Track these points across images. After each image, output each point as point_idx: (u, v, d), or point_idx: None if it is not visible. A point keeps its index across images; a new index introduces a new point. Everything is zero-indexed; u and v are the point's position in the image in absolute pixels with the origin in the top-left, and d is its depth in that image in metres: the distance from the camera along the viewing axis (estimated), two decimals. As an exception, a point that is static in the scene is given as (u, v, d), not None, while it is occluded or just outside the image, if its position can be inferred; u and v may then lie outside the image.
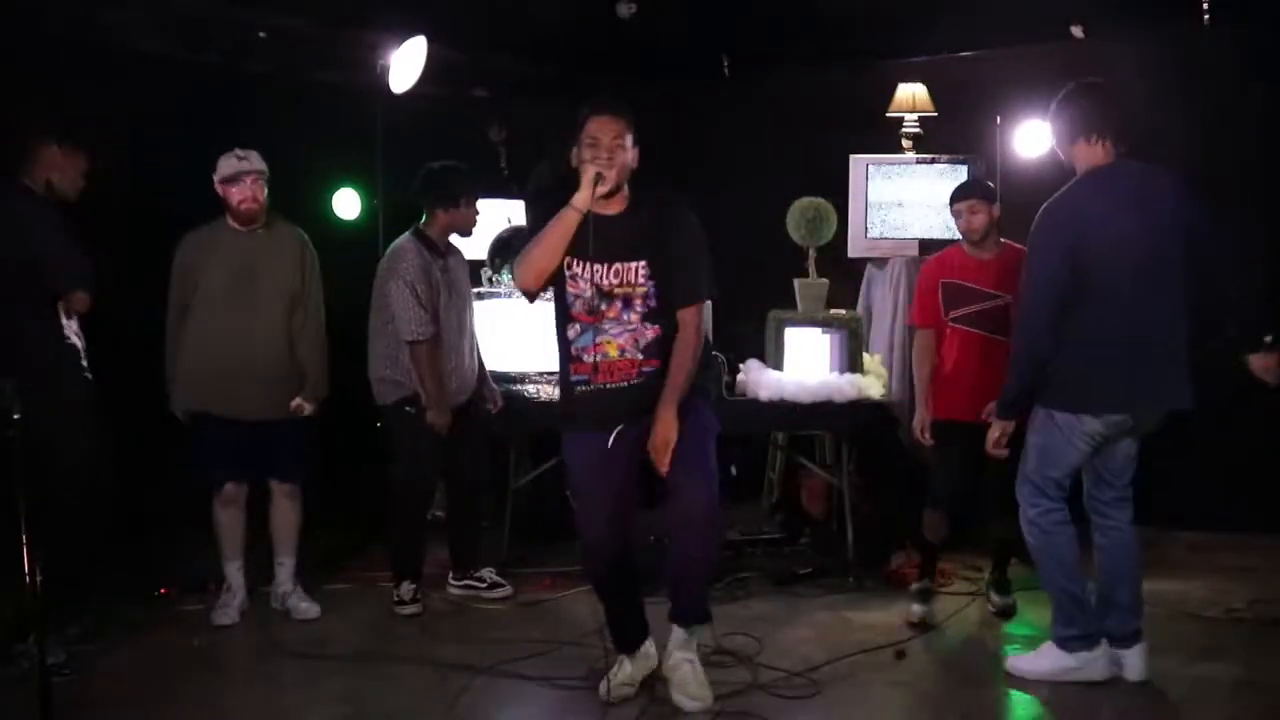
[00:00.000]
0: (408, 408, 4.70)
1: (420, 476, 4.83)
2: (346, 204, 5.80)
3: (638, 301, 3.54)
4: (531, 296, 3.61)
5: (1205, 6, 5.34)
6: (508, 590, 4.94)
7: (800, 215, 5.52)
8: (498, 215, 6.16)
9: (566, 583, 5.06)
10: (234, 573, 4.66)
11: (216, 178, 4.52)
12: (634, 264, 3.52)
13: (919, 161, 5.68)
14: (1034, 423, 3.89)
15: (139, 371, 4.73)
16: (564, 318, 3.61)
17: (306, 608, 4.68)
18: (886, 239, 5.68)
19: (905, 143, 5.86)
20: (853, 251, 5.72)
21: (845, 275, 5.88)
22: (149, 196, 5.16)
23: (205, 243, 4.56)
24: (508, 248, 5.84)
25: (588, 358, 3.56)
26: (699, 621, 3.72)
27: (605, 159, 3.42)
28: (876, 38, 6.10)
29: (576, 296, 3.55)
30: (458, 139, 6.30)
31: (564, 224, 3.42)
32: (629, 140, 3.48)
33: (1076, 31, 5.69)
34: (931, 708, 3.75)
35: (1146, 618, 4.19)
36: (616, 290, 3.53)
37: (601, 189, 3.41)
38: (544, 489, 5.72)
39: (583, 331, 3.56)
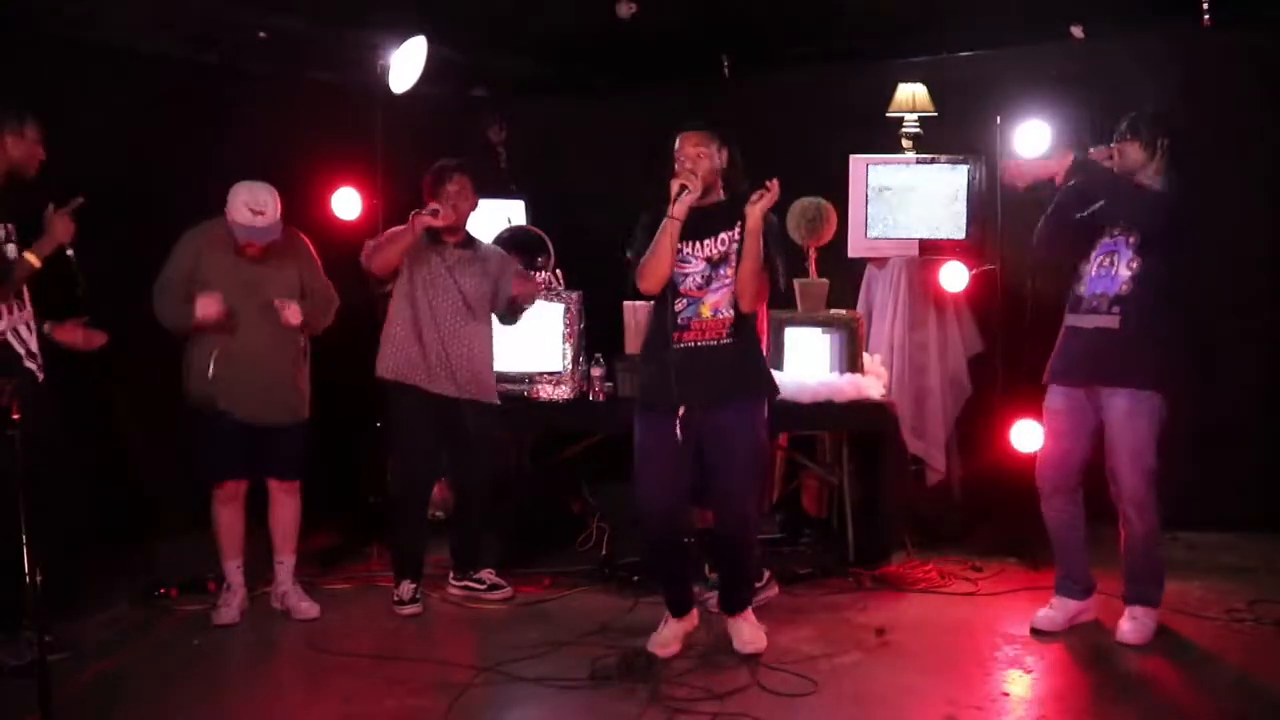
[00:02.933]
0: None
1: (406, 461, 4.82)
2: (346, 204, 5.79)
3: (732, 257, 4.06)
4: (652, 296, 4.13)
5: (1205, 6, 5.33)
6: (508, 591, 4.93)
7: (800, 215, 5.52)
8: (498, 215, 6.16)
9: (566, 583, 5.06)
10: (234, 571, 4.66)
11: (228, 208, 4.45)
12: (731, 231, 4.07)
13: (919, 161, 5.68)
14: (1144, 411, 4.16)
15: (139, 372, 4.74)
16: (671, 294, 4.08)
17: (306, 607, 4.68)
18: (886, 239, 5.68)
19: (905, 143, 5.85)
20: (853, 251, 5.71)
21: (845, 275, 5.88)
22: (148, 196, 5.15)
23: (217, 243, 4.50)
24: (508, 247, 5.84)
25: (689, 321, 4.08)
26: (736, 611, 4.27)
27: (689, 170, 4.00)
28: (876, 38, 6.09)
29: (686, 275, 4.09)
30: (458, 139, 6.30)
31: (668, 234, 3.99)
32: (714, 147, 4.07)
33: (1076, 31, 5.69)
34: (929, 707, 3.74)
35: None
36: (718, 255, 4.08)
37: (689, 198, 3.97)
38: (544, 489, 5.73)
39: (690, 304, 4.09)
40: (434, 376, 4.75)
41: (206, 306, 4.41)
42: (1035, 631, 4.36)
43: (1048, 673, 4.03)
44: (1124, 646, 4.20)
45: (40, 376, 4.18)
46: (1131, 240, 4.23)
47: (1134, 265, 4.20)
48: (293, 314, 4.54)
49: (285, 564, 4.75)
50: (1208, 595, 4.73)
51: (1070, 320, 4.38)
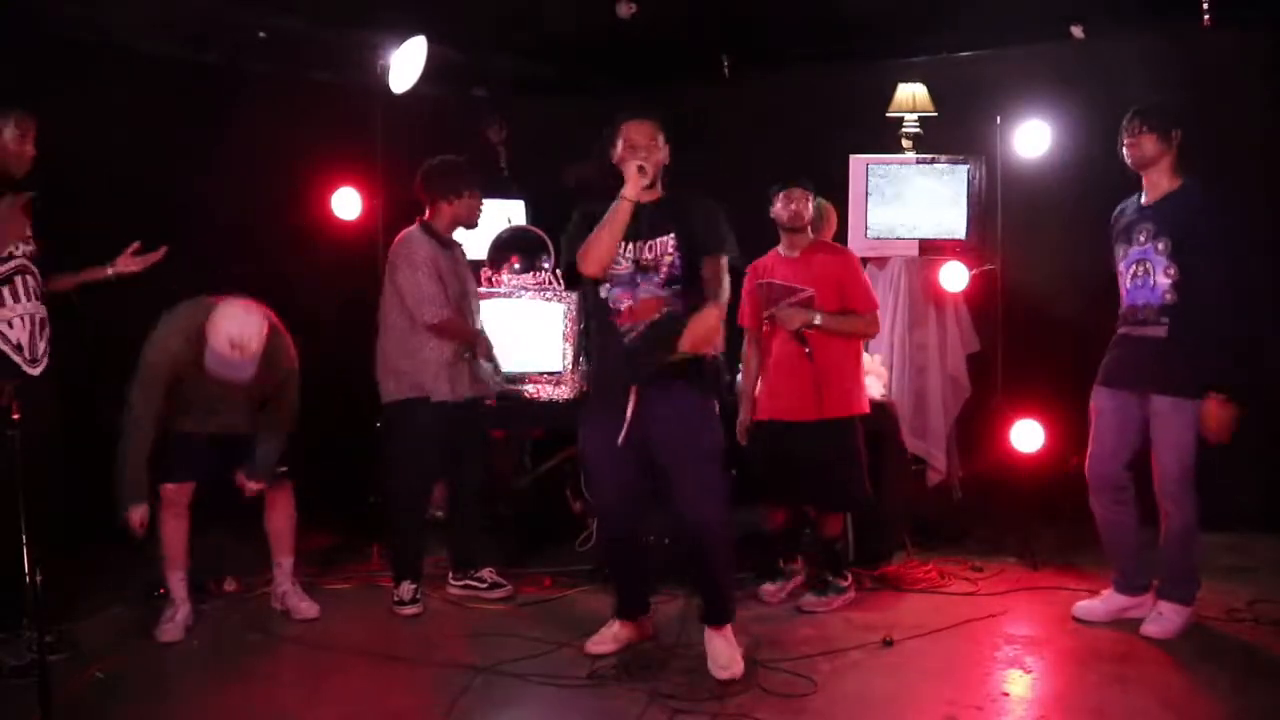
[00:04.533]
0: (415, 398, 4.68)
1: (419, 475, 4.81)
2: (346, 204, 5.80)
3: (664, 269, 3.96)
4: (574, 283, 4.13)
5: (1205, 6, 5.34)
6: (508, 589, 4.93)
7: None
8: (498, 215, 6.17)
9: (566, 583, 5.06)
10: (176, 584, 4.48)
11: (210, 330, 4.11)
12: (665, 238, 3.97)
13: (919, 161, 5.68)
14: (1187, 416, 4.14)
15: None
16: (596, 283, 4.01)
17: (306, 607, 4.67)
18: (886, 239, 5.68)
19: (905, 143, 5.86)
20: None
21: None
22: (149, 196, 5.15)
23: (192, 351, 4.20)
24: (508, 247, 5.85)
25: (621, 305, 3.98)
26: (716, 622, 4.03)
27: (644, 155, 3.92)
28: (876, 38, 6.09)
29: (615, 274, 3.98)
30: (458, 139, 6.30)
31: (621, 213, 3.91)
32: (660, 139, 4.00)
33: (1076, 31, 5.70)
34: (929, 707, 3.74)
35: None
36: (648, 261, 3.97)
37: (644, 180, 3.89)
38: (544, 489, 5.73)
39: (613, 286, 3.99)
40: (463, 383, 4.73)
41: (135, 517, 4.26)
42: (1074, 619, 4.46)
43: (1048, 673, 4.03)
44: (1124, 646, 4.20)
45: (32, 372, 4.12)
46: (1161, 246, 4.20)
47: (1171, 273, 4.17)
48: (251, 489, 4.48)
49: (284, 565, 4.72)
50: (1208, 595, 4.71)
51: (1120, 330, 4.39)
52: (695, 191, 4.07)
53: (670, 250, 3.96)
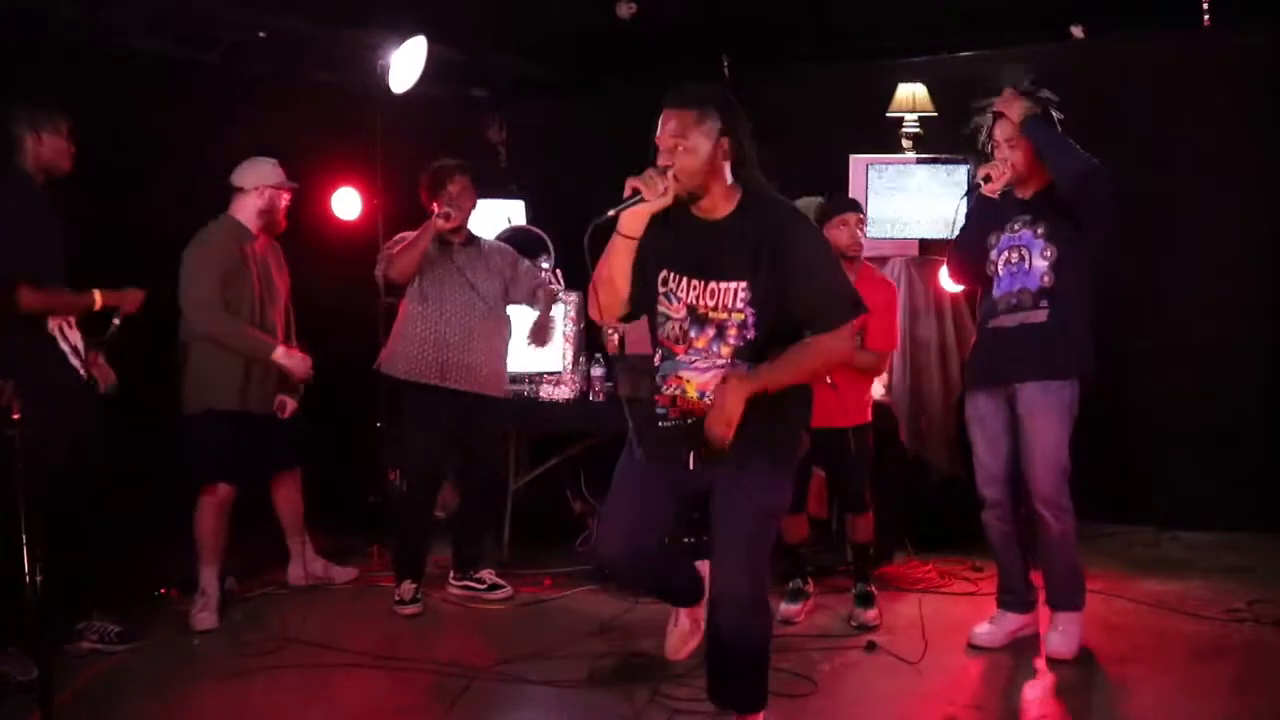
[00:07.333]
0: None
1: (424, 459, 4.79)
2: (346, 204, 5.80)
3: (732, 332, 2.97)
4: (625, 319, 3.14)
5: (1205, 7, 5.34)
6: (508, 591, 4.93)
7: (800, 215, 5.52)
8: (498, 215, 6.17)
9: (566, 583, 5.07)
10: (210, 579, 4.64)
11: (260, 183, 4.64)
12: (732, 285, 2.95)
13: (919, 161, 5.68)
14: (1054, 405, 3.96)
15: (137, 371, 4.73)
16: (654, 337, 3.12)
17: (342, 572, 5.08)
18: (886, 239, 5.68)
19: (905, 143, 5.86)
20: (852, 251, 5.71)
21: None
22: (149, 197, 5.15)
23: (236, 244, 4.63)
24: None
25: (667, 389, 3.06)
26: (748, 711, 3.21)
27: (660, 166, 2.92)
28: (876, 38, 6.10)
29: (667, 318, 3.04)
30: (458, 139, 6.30)
31: (614, 253, 2.95)
32: (702, 132, 2.94)
33: (1076, 31, 5.70)
34: (929, 707, 3.75)
35: (1147, 617, 4.39)
36: (711, 315, 2.97)
37: (647, 208, 2.89)
38: (544, 489, 5.73)
39: (664, 359, 3.07)
40: (450, 375, 4.74)
41: (293, 361, 4.68)
42: (972, 647, 4.18)
43: (1048, 673, 4.03)
44: (1124, 646, 4.19)
45: (84, 374, 4.19)
46: (1040, 230, 4.00)
47: (1049, 254, 3.98)
48: (292, 408, 4.81)
49: (307, 544, 5.06)
50: (1208, 595, 4.73)
51: (990, 324, 4.14)
52: (784, 210, 3.01)
53: (739, 303, 2.94)
